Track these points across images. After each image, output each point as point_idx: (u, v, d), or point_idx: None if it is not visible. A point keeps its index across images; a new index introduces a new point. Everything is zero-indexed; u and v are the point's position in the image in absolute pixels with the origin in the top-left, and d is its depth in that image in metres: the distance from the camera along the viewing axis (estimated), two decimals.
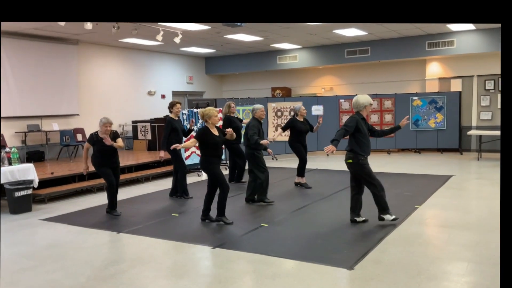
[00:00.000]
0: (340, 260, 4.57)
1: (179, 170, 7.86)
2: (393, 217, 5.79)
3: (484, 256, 4.59)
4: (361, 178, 5.81)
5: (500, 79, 12.63)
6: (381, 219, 5.82)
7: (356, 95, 13.49)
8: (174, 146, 6.23)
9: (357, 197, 5.93)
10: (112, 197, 6.81)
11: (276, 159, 12.78)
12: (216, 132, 6.02)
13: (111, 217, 6.73)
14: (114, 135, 6.68)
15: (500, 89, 12.69)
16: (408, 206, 6.77)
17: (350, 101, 13.39)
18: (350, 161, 5.74)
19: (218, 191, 6.07)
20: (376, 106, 13.24)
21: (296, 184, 8.63)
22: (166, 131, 7.63)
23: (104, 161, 6.64)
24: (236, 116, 9.12)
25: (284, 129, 8.42)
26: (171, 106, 7.83)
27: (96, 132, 6.64)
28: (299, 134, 8.33)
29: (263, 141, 6.96)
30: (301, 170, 8.52)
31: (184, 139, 8.25)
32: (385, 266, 4.38)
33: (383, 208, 5.79)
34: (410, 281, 4.00)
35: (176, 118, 7.81)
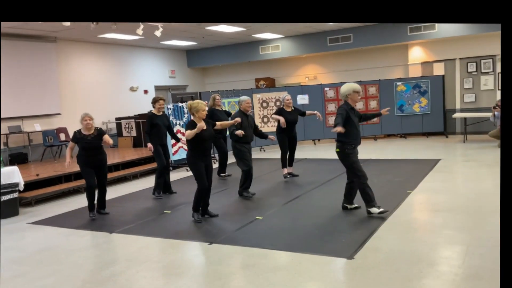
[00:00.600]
0: (339, 250, 4.53)
1: (157, 167, 7.71)
2: (381, 209, 5.57)
3: (482, 239, 4.60)
4: (347, 168, 5.75)
5: (482, 61, 12.74)
6: (368, 212, 5.65)
7: (341, 82, 13.49)
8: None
9: (351, 185, 5.88)
10: (91, 199, 6.57)
11: (264, 151, 12.72)
12: (203, 127, 5.77)
13: (102, 217, 6.58)
14: (99, 132, 6.48)
15: (482, 72, 12.81)
16: (400, 192, 6.78)
17: (335, 89, 13.38)
18: (338, 150, 5.69)
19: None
20: (361, 93, 13.19)
21: (285, 176, 8.48)
22: (147, 127, 7.58)
23: (89, 159, 6.40)
24: (222, 109, 8.99)
25: (274, 118, 8.22)
26: (154, 102, 7.68)
27: (79, 129, 6.45)
28: (285, 124, 8.05)
29: (237, 132, 6.76)
30: (282, 161, 8.36)
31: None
32: (385, 254, 4.36)
33: (368, 201, 5.64)
34: (411, 268, 3.98)
35: (160, 113, 7.65)
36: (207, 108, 6.07)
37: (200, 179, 5.84)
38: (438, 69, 13.39)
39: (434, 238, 4.74)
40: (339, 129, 5.38)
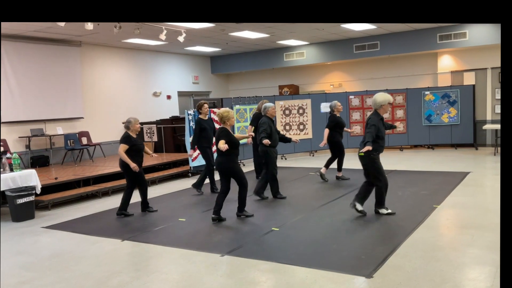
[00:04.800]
0: (358, 267, 4.26)
1: (206, 167, 8.26)
2: (389, 211, 6.00)
3: None
4: (369, 171, 5.93)
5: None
6: (377, 211, 6.06)
7: (366, 91, 13.25)
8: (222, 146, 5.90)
9: (368, 187, 6.06)
10: (126, 199, 6.88)
11: (285, 159, 12.48)
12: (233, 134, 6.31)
13: (116, 223, 6.48)
14: (139, 136, 7.05)
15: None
16: (426, 206, 6.44)
17: (360, 97, 13.07)
18: (362, 154, 5.78)
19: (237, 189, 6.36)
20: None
21: (338, 177, 8.94)
22: (196, 131, 8.03)
23: (137, 161, 6.73)
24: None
25: (329, 127, 8.59)
26: (199, 107, 8.10)
27: (128, 134, 6.73)
28: (341, 129, 8.61)
29: (265, 141, 7.04)
30: (330, 162, 8.82)
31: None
32: (407, 273, 4.07)
33: (379, 202, 6.03)
34: None
35: (206, 118, 8.12)
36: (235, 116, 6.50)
37: (243, 177, 6.18)
38: (469, 79, 12.92)
39: (460, 258, 4.42)
40: (368, 148, 5.60)
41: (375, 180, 5.90)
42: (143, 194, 7.00)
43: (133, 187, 6.90)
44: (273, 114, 7.36)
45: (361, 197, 6.07)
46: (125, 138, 6.67)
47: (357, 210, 6.03)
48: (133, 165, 6.61)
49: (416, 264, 4.29)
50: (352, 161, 10.06)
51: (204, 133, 7.99)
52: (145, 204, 7.05)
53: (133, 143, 6.66)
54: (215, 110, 10.62)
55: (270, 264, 4.48)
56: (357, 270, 4.20)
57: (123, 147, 6.61)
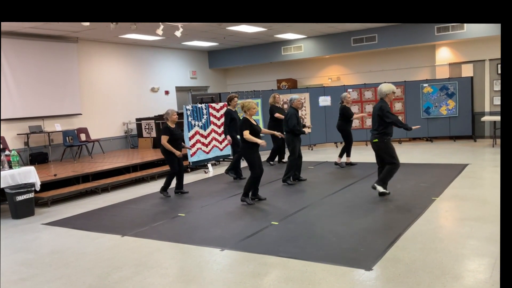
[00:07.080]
0: (357, 260, 4.28)
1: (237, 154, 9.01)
2: (384, 190, 6.52)
3: None
4: (383, 155, 6.50)
5: None
6: (374, 187, 6.62)
7: (364, 84, 13.26)
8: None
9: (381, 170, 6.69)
10: (170, 182, 7.74)
11: (285, 153, 12.49)
12: (254, 122, 6.67)
13: (116, 219, 6.49)
14: (177, 125, 7.71)
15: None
16: (425, 198, 6.46)
17: (359, 90, 13.06)
18: (376, 140, 6.47)
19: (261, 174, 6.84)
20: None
21: (346, 164, 9.61)
22: (226, 121, 8.90)
23: (177, 148, 7.47)
24: (281, 106, 10.11)
25: (346, 118, 9.36)
26: (230, 99, 8.99)
27: (167, 123, 7.51)
28: (350, 120, 9.38)
29: (307, 131, 8.22)
30: (343, 151, 9.58)
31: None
32: (406, 265, 4.08)
33: (383, 180, 6.53)
34: (435, 282, 3.70)
35: (234, 110, 8.97)
36: (258, 107, 6.92)
37: (255, 168, 6.66)
38: (467, 71, 12.91)
39: (459, 249, 4.44)
40: (417, 126, 6.88)
41: (391, 159, 6.47)
42: (180, 178, 7.81)
43: (175, 173, 7.65)
44: (298, 106, 8.02)
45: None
46: (165, 129, 7.48)
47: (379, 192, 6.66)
48: (178, 153, 7.44)
49: (416, 256, 4.31)
50: (357, 155, 10.08)
51: (233, 123, 8.80)
52: (179, 186, 7.86)
53: (172, 132, 7.43)
54: (212, 104, 10.65)
55: (270, 258, 4.49)
56: (357, 262, 4.22)
57: (164, 138, 7.41)
